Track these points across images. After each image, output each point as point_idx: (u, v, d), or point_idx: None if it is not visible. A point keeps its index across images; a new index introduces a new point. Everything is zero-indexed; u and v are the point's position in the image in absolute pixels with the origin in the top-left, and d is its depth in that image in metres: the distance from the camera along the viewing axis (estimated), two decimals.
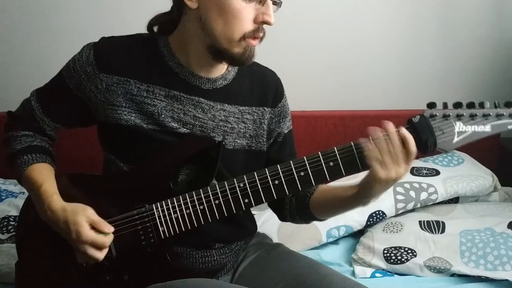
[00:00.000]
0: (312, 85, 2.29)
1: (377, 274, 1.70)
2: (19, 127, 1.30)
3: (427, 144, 1.08)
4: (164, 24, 1.25)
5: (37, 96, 1.31)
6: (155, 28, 1.26)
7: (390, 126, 1.08)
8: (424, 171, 2.05)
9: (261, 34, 1.16)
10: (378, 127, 1.09)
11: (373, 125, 2.27)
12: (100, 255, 1.12)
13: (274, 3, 1.15)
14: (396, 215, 1.92)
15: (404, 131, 1.07)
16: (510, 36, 2.33)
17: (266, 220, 1.85)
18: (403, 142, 1.06)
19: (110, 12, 2.28)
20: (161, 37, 1.24)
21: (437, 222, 1.85)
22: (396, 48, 2.34)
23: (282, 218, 1.38)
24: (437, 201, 1.96)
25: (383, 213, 1.89)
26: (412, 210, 1.95)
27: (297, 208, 1.31)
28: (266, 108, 1.31)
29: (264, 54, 1.27)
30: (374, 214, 1.88)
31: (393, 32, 2.32)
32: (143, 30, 1.27)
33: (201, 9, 1.14)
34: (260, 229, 1.46)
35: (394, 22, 2.32)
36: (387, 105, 2.31)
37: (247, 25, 1.13)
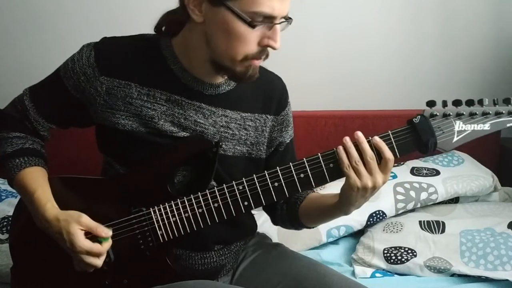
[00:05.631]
0: (312, 85, 2.29)
1: (377, 274, 1.70)
2: (10, 128, 1.25)
3: (428, 144, 1.07)
4: (169, 24, 1.20)
5: (31, 95, 1.25)
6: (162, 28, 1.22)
7: (360, 135, 1.07)
8: (424, 171, 2.05)
9: (264, 55, 1.13)
10: (379, 126, 1.08)
11: (373, 125, 2.27)
12: (98, 262, 1.10)
13: (286, 19, 1.10)
14: (396, 215, 1.92)
15: (376, 139, 1.07)
16: (510, 36, 2.32)
17: (266, 220, 1.83)
18: (377, 150, 1.06)
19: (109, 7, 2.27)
20: (164, 39, 1.20)
21: (437, 222, 1.85)
22: (395, 48, 2.34)
23: (274, 222, 1.39)
24: (437, 201, 1.96)
25: (383, 213, 1.89)
26: (412, 210, 1.95)
27: (287, 214, 1.30)
28: (268, 116, 1.28)
29: None
30: (374, 214, 1.88)
31: (392, 32, 2.32)
32: (136, 29, 1.24)
33: (207, 25, 1.09)
34: (260, 229, 1.46)
35: (394, 22, 2.31)
36: (387, 105, 2.30)
37: (251, 48, 1.09)
